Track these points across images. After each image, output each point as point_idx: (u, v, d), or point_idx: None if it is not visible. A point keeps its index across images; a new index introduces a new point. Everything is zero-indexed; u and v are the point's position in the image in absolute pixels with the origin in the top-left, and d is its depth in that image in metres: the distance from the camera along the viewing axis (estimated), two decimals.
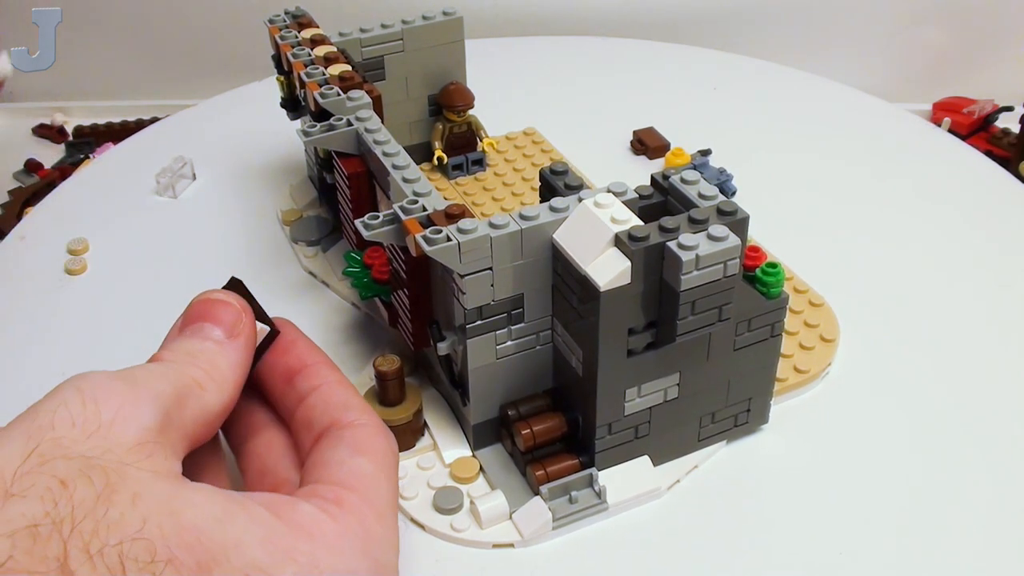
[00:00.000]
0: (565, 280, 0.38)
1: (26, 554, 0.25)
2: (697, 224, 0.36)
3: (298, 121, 0.58)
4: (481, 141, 0.61)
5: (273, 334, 0.37)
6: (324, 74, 0.51)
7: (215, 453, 0.35)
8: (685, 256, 0.34)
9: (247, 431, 0.37)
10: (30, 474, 0.26)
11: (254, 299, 0.37)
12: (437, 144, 0.60)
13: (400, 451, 0.42)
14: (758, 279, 0.39)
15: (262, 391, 0.37)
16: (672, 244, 0.35)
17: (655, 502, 0.41)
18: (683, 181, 0.39)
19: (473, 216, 0.38)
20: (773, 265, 0.39)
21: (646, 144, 0.65)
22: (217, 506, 0.28)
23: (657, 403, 0.40)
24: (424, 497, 0.41)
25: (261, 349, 0.36)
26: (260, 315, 0.37)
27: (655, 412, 0.40)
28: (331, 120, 0.48)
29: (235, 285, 0.37)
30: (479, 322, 0.39)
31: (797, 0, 1.02)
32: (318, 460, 0.33)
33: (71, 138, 1.01)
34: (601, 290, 0.35)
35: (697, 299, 0.36)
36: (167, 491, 0.28)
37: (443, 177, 0.61)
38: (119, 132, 0.99)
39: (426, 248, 0.36)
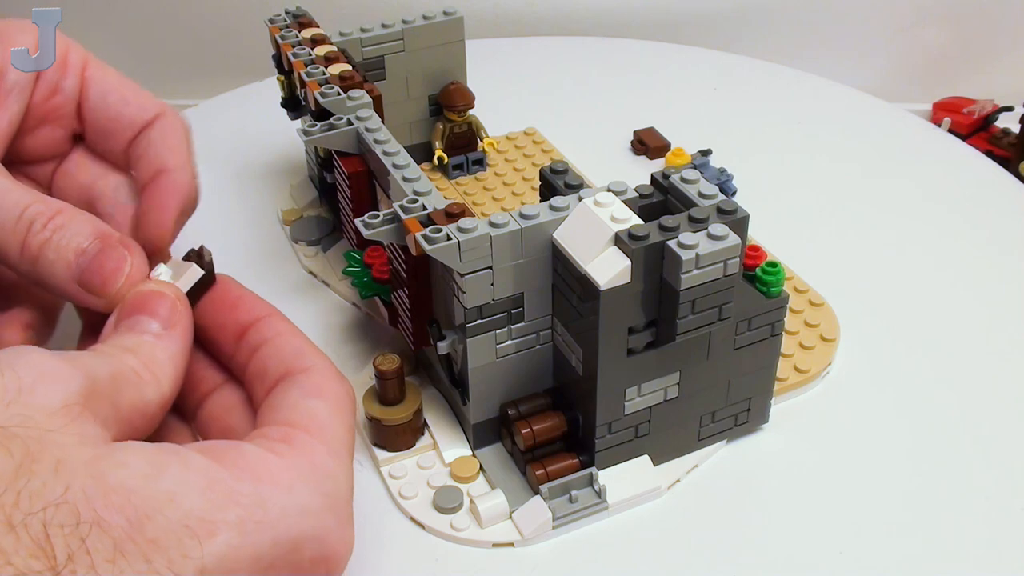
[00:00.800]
0: (565, 279, 0.38)
1: None
2: (697, 223, 0.36)
3: (298, 121, 0.58)
4: (481, 141, 0.61)
5: (209, 277, 0.37)
6: (324, 74, 0.51)
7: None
8: (685, 255, 0.34)
9: (200, 397, 0.36)
10: None
11: (211, 266, 0.37)
12: (437, 144, 0.60)
13: (400, 450, 0.43)
14: (758, 278, 0.39)
15: (213, 351, 0.37)
16: (672, 243, 0.35)
17: (655, 502, 0.41)
18: (683, 180, 0.39)
19: (473, 215, 0.38)
20: (773, 264, 0.39)
21: (646, 144, 0.65)
22: (146, 462, 0.27)
23: (657, 402, 0.40)
24: (424, 496, 0.41)
25: (196, 292, 0.36)
26: (209, 274, 0.37)
27: (655, 411, 0.40)
28: (331, 120, 0.48)
29: (195, 255, 0.37)
30: (479, 321, 0.39)
31: (797, 0, 1.03)
32: (270, 405, 0.33)
33: None
34: (601, 289, 0.35)
35: (697, 298, 0.36)
36: (91, 454, 0.27)
37: (443, 177, 0.61)
38: None
39: (426, 247, 0.36)
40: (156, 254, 0.38)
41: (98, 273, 0.35)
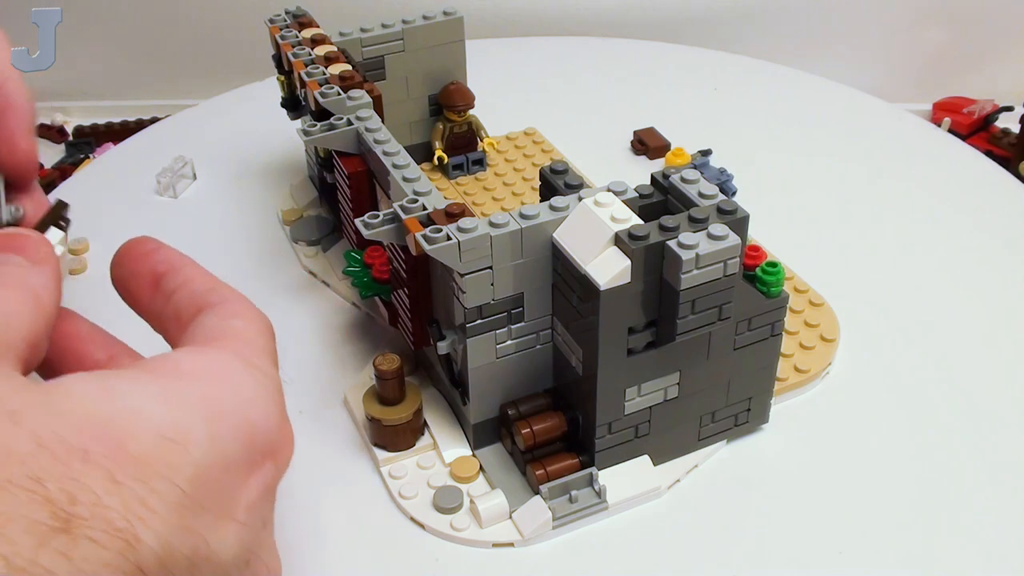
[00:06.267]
0: (565, 279, 0.38)
1: None
2: (697, 223, 0.36)
3: (298, 121, 0.58)
4: (481, 141, 0.61)
5: (59, 206, 0.36)
6: (324, 74, 0.51)
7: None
8: (685, 255, 0.34)
9: (58, 343, 0.35)
10: None
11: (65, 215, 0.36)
12: (437, 144, 0.60)
13: (400, 450, 0.43)
14: (758, 278, 0.39)
15: (130, 301, 0.35)
16: (672, 243, 0.35)
17: (655, 502, 0.41)
18: (683, 180, 0.39)
19: (473, 215, 0.38)
20: (773, 264, 0.39)
21: (646, 144, 0.65)
22: (95, 386, 0.26)
23: (657, 402, 0.40)
24: (424, 496, 0.41)
25: (46, 222, 0.35)
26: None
27: (655, 411, 0.40)
28: (331, 119, 0.48)
29: (56, 207, 0.36)
30: (479, 321, 0.39)
31: (797, 0, 1.03)
32: (188, 335, 0.32)
33: (71, 138, 1.01)
34: (601, 289, 0.35)
35: (697, 298, 0.36)
36: (37, 395, 0.26)
37: (443, 177, 0.61)
38: (119, 132, 0.99)
39: (426, 247, 0.36)
40: (23, 182, 0.36)
41: None
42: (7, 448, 0.24)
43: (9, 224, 0.35)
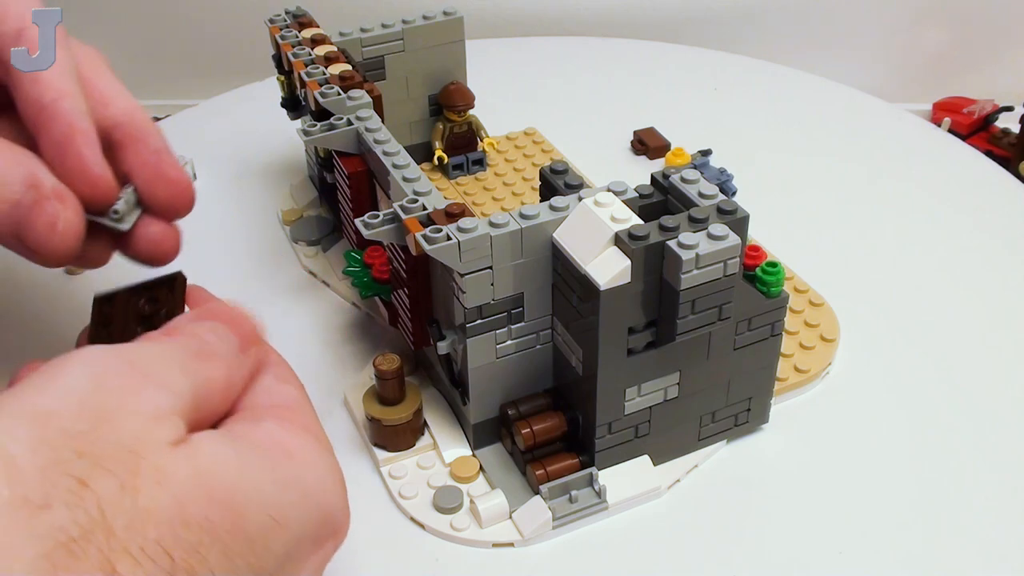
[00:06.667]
0: (565, 279, 0.38)
1: (69, 574, 0.23)
2: (697, 223, 0.36)
3: (298, 121, 0.58)
4: (481, 141, 0.61)
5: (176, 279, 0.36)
6: (324, 73, 0.51)
7: None
8: (685, 255, 0.34)
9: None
10: (45, 475, 0.24)
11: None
12: (437, 144, 0.60)
13: (400, 450, 0.43)
14: (758, 278, 0.39)
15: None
16: (672, 243, 0.35)
17: (655, 502, 0.41)
18: (683, 180, 0.39)
19: (473, 215, 0.38)
20: (773, 264, 0.39)
21: (646, 144, 0.65)
22: (231, 453, 0.27)
23: (657, 402, 0.40)
24: (424, 496, 0.41)
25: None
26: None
27: (655, 411, 0.40)
28: (331, 119, 0.48)
29: (172, 280, 0.35)
30: (479, 321, 0.39)
31: (797, 0, 1.03)
32: (247, 396, 0.32)
33: None
34: (601, 289, 0.35)
35: (697, 298, 0.36)
36: (186, 456, 0.26)
37: (443, 177, 0.61)
38: None
39: (426, 247, 0.36)
40: (98, 201, 0.35)
41: (32, 229, 0.33)
42: (148, 509, 0.24)
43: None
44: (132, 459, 0.25)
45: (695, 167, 0.46)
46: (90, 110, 0.35)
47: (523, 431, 0.40)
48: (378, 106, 0.50)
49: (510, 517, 0.40)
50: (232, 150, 0.68)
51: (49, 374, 0.26)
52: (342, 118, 0.48)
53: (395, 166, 0.44)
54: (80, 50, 0.37)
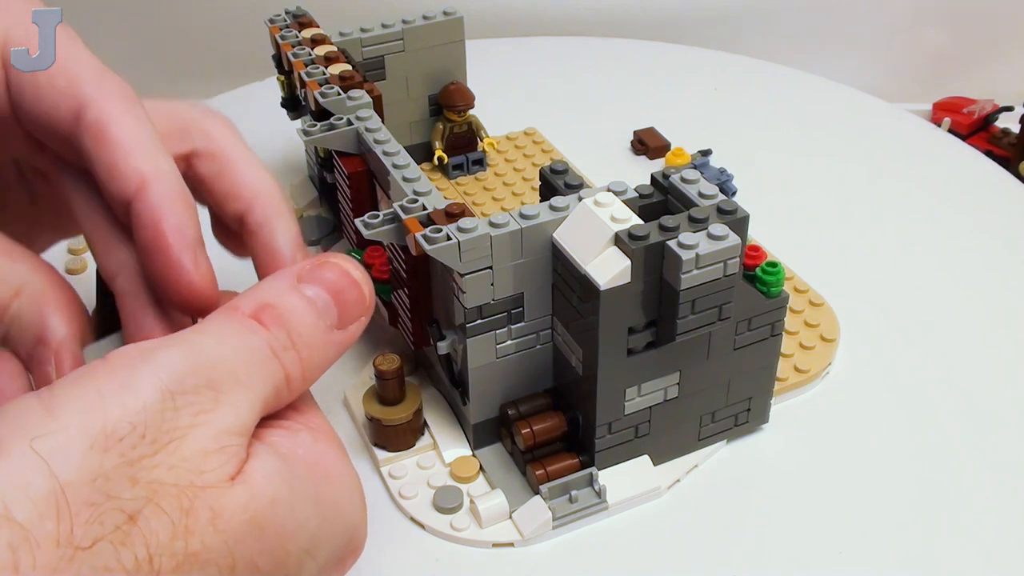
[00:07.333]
0: (565, 279, 0.38)
1: None
2: (697, 223, 0.36)
3: (298, 121, 0.58)
4: (481, 141, 0.61)
5: None
6: (324, 73, 0.51)
7: None
8: (685, 255, 0.34)
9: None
10: (95, 509, 0.22)
11: None
12: (437, 144, 0.60)
13: (400, 450, 0.43)
14: (758, 278, 0.39)
15: None
16: (672, 243, 0.35)
17: (655, 502, 0.41)
18: (683, 180, 0.39)
19: (473, 215, 0.38)
20: (773, 264, 0.39)
21: (646, 144, 0.65)
22: (282, 485, 0.26)
23: (657, 402, 0.40)
24: (424, 496, 0.41)
25: None
26: None
27: (655, 411, 0.40)
28: (331, 119, 0.48)
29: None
30: (479, 321, 0.39)
31: (797, 0, 1.03)
32: None
33: None
34: (601, 289, 0.35)
35: (697, 298, 0.36)
36: (241, 496, 0.25)
37: (443, 177, 0.61)
38: None
39: (426, 247, 0.36)
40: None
41: (32, 373, 0.30)
42: (197, 553, 0.23)
43: None
44: (188, 495, 0.24)
45: (695, 167, 0.46)
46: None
47: (523, 431, 0.40)
48: (378, 106, 0.50)
49: (510, 517, 0.40)
50: None
51: (117, 381, 0.24)
52: (342, 118, 0.48)
53: (395, 166, 0.44)
54: (208, 121, 0.34)
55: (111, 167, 0.29)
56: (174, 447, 0.24)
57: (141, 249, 0.30)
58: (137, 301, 0.30)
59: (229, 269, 0.37)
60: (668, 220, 0.35)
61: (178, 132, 0.34)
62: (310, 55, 0.53)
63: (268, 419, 0.29)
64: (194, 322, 0.31)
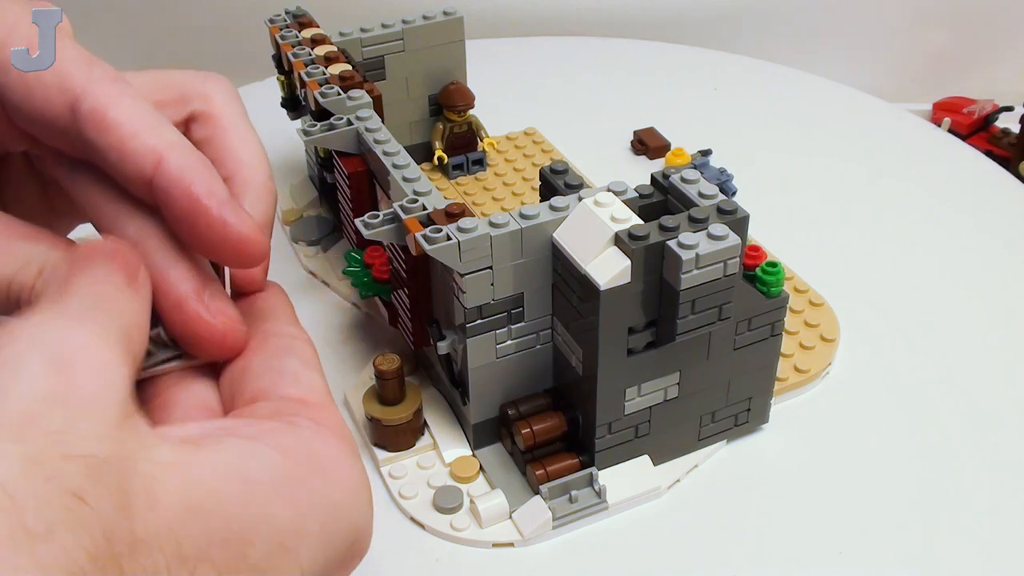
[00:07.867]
0: (565, 279, 0.38)
1: None
2: (697, 223, 0.36)
3: (298, 121, 0.58)
4: (481, 141, 0.61)
5: None
6: (324, 73, 0.51)
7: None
8: (685, 255, 0.34)
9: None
10: (40, 493, 0.21)
11: None
12: (437, 144, 0.60)
13: (400, 450, 0.43)
14: (758, 278, 0.39)
15: None
16: (672, 243, 0.35)
17: (655, 502, 0.41)
18: (683, 180, 0.39)
19: (473, 215, 0.38)
20: (773, 264, 0.39)
21: (646, 144, 0.65)
22: (231, 471, 0.24)
23: (657, 402, 0.40)
24: (424, 496, 0.41)
25: None
26: None
27: (655, 411, 0.40)
28: (331, 119, 0.48)
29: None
30: (479, 321, 0.39)
31: (797, 0, 1.03)
32: (271, 368, 0.29)
33: None
34: (601, 289, 0.35)
35: (697, 298, 0.36)
36: (175, 476, 0.23)
37: (443, 177, 0.61)
38: None
39: (426, 247, 0.36)
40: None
41: None
42: (143, 540, 0.22)
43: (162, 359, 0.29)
44: (119, 474, 0.22)
45: (695, 167, 0.46)
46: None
47: (523, 431, 0.40)
48: (378, 106, 0.50)
49: (510, 517, 0.40)
50: None
51: (4, 367, 0.23)
52: (342, 118, 0.48)
53: (395, 166, 0.44)
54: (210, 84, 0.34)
55: (121, 150, 0.28)
56: (86, 417, 0.23)
57: (176, 220, 0.29)
58: (166, 258, 0.29)
59: None
60: (668, 220, 0.35)
61: (176, 99, 0.34)
62: (310, 55, 0.53)
63: (271, 414, 0.28)
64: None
